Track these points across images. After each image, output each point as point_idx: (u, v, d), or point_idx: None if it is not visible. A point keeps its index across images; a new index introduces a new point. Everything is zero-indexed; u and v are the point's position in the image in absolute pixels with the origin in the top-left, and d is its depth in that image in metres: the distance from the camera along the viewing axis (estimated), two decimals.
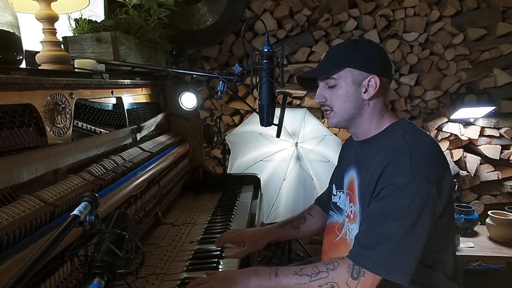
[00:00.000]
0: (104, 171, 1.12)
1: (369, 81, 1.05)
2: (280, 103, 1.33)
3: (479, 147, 2.74)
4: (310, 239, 2.87)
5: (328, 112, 1.14)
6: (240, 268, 1.15)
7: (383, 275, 0.93)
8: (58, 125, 1.00)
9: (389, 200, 0.96)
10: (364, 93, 1.07)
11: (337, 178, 1.30)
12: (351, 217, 1.13)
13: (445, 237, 1.07)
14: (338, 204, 1.24)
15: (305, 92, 2.69)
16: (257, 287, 0.99)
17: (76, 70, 1.23)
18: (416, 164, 0.96)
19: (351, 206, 1.14)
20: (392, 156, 1.00)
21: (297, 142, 2.35)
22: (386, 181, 0.98)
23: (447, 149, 2.76)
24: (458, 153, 2.76)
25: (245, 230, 1.36)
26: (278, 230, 1.39)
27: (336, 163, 1.40)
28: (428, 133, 1.84)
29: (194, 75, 2.00)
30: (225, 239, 1.28)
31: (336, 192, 1.27)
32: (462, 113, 2.58)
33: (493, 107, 2.57)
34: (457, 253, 1.17)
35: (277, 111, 1.28)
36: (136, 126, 1.48)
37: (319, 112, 2.75)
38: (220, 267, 1.15)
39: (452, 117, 2.65)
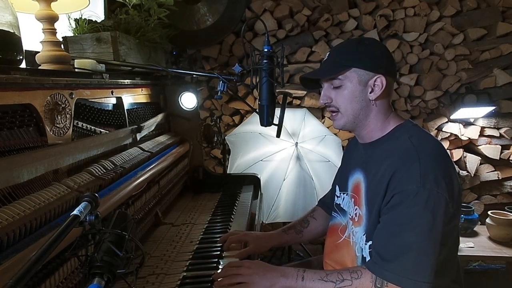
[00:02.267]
0: (104, 171, 1.12)
1: (375, 81, 1.04)
2: (280, 103, 1.33)
3: (479, 147, 2.74)
4: None
5: (334, 114, 1.12)
6: None
7: (408, 287, 0.92)
8: (58, 125, 1.00)
9: (402, 208, 0.95)
10: (370, 93, 1.06)
11: (340, 179, 1.29)
12: (356, 220, 1.12)
13: (455, 241, 1.07)
14: (341, 206, 1.23)
15: (305, 92, 2.69)
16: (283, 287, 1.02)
17: (76, 70, 1.23)
18: (425, 168, 0.95)
19: (356, 209, 1.13)
20: (400, 162, 0.99)
21: (297, 142, 2.35)
22: (396, 188, 0.97)
23: (447, 149, 2.76)
24: (458, 153, 2.76)
25: (250, 232, 1.37)
26: (281, 236, 1.39)
27: (336, 163, 1.40)
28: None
29: (194, 75, 2.00)
30: (230, 240, 1.28)
31: (340, 193, 1.26)
32: (462, 113, 2.58)
33: (493, 107, 2.57)
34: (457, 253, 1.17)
35: (277, 111, 1.28)
36: (136, 126, 1.48)
37: (319, 112, 2.75)
38: (220, 267, 1.15)
39: (452, 117, 2.65)
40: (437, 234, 0.94)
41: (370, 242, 1.04)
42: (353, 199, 1.16)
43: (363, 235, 1.07)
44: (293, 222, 1.44)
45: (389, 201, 0.98)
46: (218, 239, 1.32)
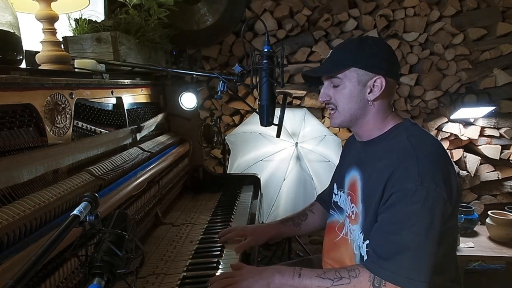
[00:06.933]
0: (104, 171, 1.12)
1: (374, 81, 1.04)
2: (280, 103, 1.33)
3: (479, 147, 2.74)
4: (310, 239, 2.87)
5: (332, 112, 1.13)
6: None
7: (405, 286, 0.92)
8: (58, 125, 1.00)
9: (400, 207, 0.95)
10: (368, 93, 1.05)
11: (338, 177, 1.29)
12: (353, 218, 1.12)
13: (452, 239, 1.07)
14: (338, 203, 1.24)
15: (305, 92, 2.69)
16: (280, 285, 1.01)
17: (76, 70, 1.23)
18: (423, 167, 0.95)
19: (353, 207, 1.13)
20: (399, 160, 0.99)
21: (297, 142, 2.35)
22: (394, 187, 0.97)
23: (447, 149, 2.76)
24: (458, 153, 2.76)
25: (247, 226, 1.37)
26: (279, 226, 1.40)
27: (336, 163, 1.40)
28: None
29: (194, 75, 2.00)
30: (228, 237, 1.29)
31: (337, 191, 1.26)
32: (462, 113, 2.58)
33: (493, 107, 2.57)
34: (457, 253, 1.17)
35: (277, 111, 1.28)
36: (136, 126, 1.48)
37: (319, 112, 2.75)
38: (220, 266, 1.15)
39: (452, 117, 2.65)
40: (435, 233, 0.94)
41: (367, 241, 1.04)
42: (349, 197, 1.16)
43: (360, 233, 1.07)
44: (291, 215, 1.46)
45: (387, 200, 0.98)
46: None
